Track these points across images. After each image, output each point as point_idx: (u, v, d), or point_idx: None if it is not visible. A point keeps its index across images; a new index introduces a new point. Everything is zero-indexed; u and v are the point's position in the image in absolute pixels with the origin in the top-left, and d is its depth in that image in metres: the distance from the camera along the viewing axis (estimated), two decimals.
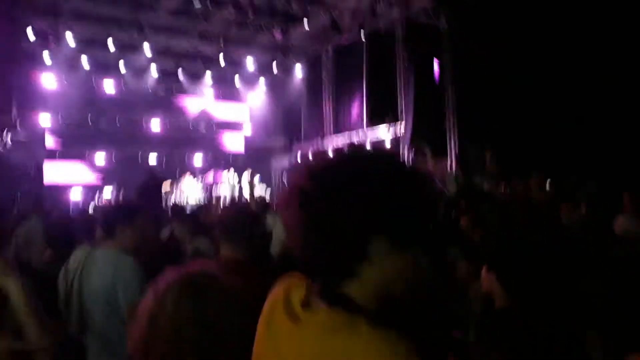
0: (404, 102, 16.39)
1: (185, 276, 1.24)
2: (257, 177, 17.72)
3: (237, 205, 3.06)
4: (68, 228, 4.10)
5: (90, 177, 18.35)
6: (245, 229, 2.33)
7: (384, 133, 16.78)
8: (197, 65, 18.86)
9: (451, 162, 16.89)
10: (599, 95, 11.45)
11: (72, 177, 18.04)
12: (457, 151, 17.06)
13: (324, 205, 0.88)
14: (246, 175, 17.51)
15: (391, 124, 16.59)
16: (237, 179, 17.34)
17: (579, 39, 12.04)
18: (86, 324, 2.54)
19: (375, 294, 0.89)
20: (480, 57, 14.47)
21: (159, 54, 17.43)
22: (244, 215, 2.44)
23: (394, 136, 16.63)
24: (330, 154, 0.97)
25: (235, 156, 21.70)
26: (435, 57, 16.35)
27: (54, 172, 17.25)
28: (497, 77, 13.97)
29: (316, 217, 0.88)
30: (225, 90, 21.07)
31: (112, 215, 2.76)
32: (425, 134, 16.28)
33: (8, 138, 14.11)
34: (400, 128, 16.39)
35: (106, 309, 2.48)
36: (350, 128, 18.48)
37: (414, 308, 0.93)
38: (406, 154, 16.39)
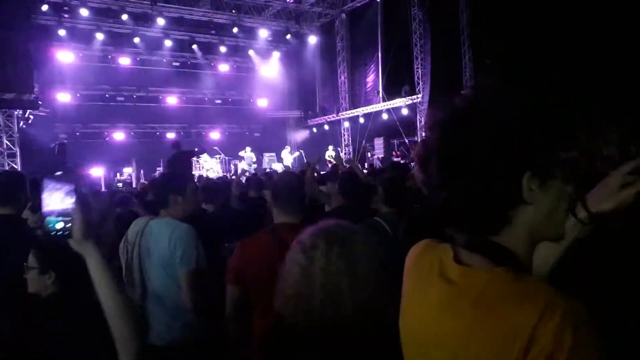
0: (420, 69, 16.13)
1: (328, 229, 1.25)
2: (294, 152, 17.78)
3: (287, 172, 3.12)
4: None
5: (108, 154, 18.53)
6: (297, 194, 2.39)
7: (401, 102, 16.56)
8: (210, 36, 18.78)
9: None
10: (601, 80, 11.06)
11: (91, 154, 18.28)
12: None
13: (469, 140, 0.81)
14: (287, 151, 17.64)
15: (408, 97, 16.37)
16: (254, 155, 17.36)
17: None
18: (147, 290, 2.64)
19: (525, 242, 0.84)
20: (501, 17, 14.10)
21: (173, 25, 17.38)
22: (295, 181, 2.48)
23: (411, 102, 16.41)
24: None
25: (252, 129, 21.76)
26: (454, 17, 16.00)
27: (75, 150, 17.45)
28: (520, 37, 13.63)
29: (461, 155, 0.82)
30: (240, 62, 21.01)
31: (165, 186, 2.84)
32: (443, 101, 16.01)
33: (30, 115, 14.31)
34: (418, 98, 16.16)
35: (164, 274, 2.58)
36: (366, 100, 18.28)
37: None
38: (422, 122, 16.23)
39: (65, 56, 17.03)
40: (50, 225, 1.29)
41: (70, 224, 1.30)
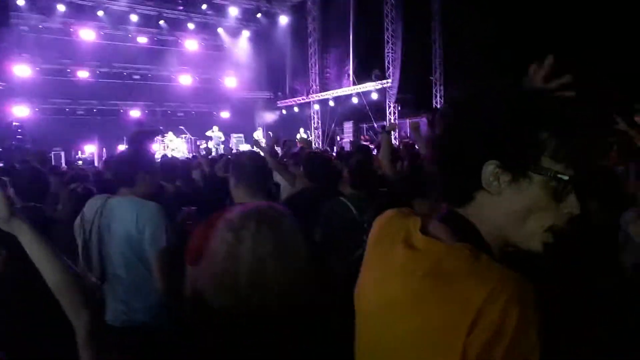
0: (391, 55, 16.13)
1: (259, 210, 1.22)
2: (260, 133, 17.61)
3: (253, 152, 3.06)
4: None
5: (70, 131, 17.92)
6: (263, 175, 2.37)
7: (371, 86, 16.57)
8: (178, 12, 18.27)
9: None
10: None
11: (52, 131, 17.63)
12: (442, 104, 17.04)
13: (452, 128, 0.90)
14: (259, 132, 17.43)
15: (378, 82, 16.38)
16: (222, 135, 17.11)
17: None
18: (106, 270, 2.54)
19: (494, 226, 0.87)
20: (471, 6, 14.20)
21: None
22: (262, 162, 2.43)
23: (381, 87, 16.44)
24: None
25: (219, 110, 21.42)
26: (425, 5, 16.06)
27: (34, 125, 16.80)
28: (488, 26, 13.76)
29: (445, 139, 0.91)
30: (209, 40, 20.55)
31: (131, 163, 2.71)
32: (412, 87, 16.15)
33: None
34: (388, 83, 16.19)
35: (129, 254, 2.48)
36: (337, 84, 18.21)
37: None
38: (392, 108, 16.31)
39: (24, 26, 16.26)
40: None
41: None
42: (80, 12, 16.98)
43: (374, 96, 16.58)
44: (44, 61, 17.17)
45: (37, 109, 17.38)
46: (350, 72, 17.50)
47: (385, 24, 16.15)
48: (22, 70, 16.56)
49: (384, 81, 16.29)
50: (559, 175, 0.83)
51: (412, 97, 16.24)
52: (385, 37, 16.22)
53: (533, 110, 0.84)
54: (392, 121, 16.02)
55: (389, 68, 16.29)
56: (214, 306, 1.16)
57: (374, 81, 16.53)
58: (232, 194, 2.39)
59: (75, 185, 3.57)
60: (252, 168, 2.34)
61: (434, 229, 0.92)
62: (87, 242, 2.58)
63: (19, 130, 14.75)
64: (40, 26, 16.78)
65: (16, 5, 15.23)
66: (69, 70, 17.94)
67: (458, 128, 0.89)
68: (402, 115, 16.65)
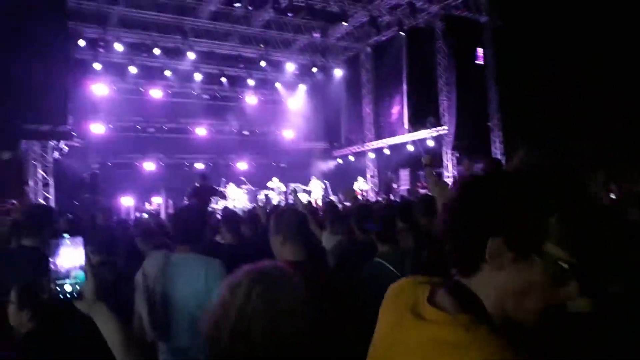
0: (445, 102, 16.13)
1: (257, 269, 1.29)
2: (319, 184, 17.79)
3: (291, 208, 3.13)
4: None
5: (139, 184, 18.92)
6: (302, 230, 2.34)
7: (426, 133, 16.54)
8: (239, 69, 19.25)
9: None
10: None
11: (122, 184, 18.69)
12: (502, 151, 16.69)
13: (466, 199, 0.96)
14: (316, 183, 17.66)
15: (433, 129, 16.36)
16: (282, 186, 17.47)
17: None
18: (167, 329, 2.53)
19: (495, 299, 0.91)
20: (525, 51, 14.11)
21: (203, 58, 17.91)
22: (300, 217, 2.45)
23: (437, 134, 16.38)
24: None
25: (278, 160, 21.99)
26: (477, 53, 16.09)
27: (107, 179, 17.90)
28: (544, 72, 13.58)
29: (458, 207, 0.97)
30: (267, 95, 21.44)
31: (191, 220, 2.76)
32: (468, 133, 15.98)
33: (64, 146, 14.81)
34: (443, 130, 16.12)
35: (197, 311, 2.40)
36: (391, 132, 18.32)
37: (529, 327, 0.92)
38: (449, 155, 16.15)
39: (99, 89, 17.71)
40: (59, 287, 1.30)
41: (78, 286, 1.31)
42: (150, 73, 18.26)
43: (430, 143, 16.50)
44: (116, 119, 18.50)
45: (109, 163, 18.57)
46: (405, 120, 17.58)
47: (439, 72, 16.26)
48: (97, 128, 17.89)
49: (440, 128, 16.23)
50: (560, 262, 0.86)
51: (469, 144, 16.04)
52: (439, 85, 16.28)
53: (542, 197, 0.89)
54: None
55: (444, 115, 16.24)
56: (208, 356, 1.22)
57: (428, 128, 16.50)
58: (273, 248, 2.38)
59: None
60: (290, 223, 2.34)
61: (440, 298, 0.95)
62: (151, 299, 2.60)
63: (93, 184, 15.75)
64: (114, 87, 18.18)
65: (93, 69, 16.61)
66: (138, 126, 19.19)
67: (471, 200, 0.94)
68: (459, 162, 16.41)
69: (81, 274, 1.32)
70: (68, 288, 1.31)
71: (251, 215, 5.65)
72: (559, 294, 0.88)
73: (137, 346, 1.38)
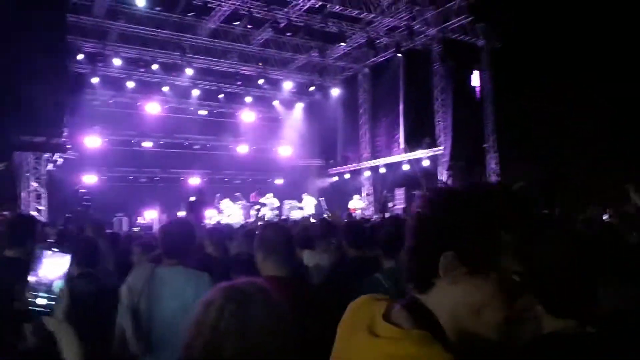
0: (441, 123, 16.25)
1: (232, 286, 1.27)
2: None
3: (276, 223, 3.13)
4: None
5: (133, 198, 18.83)
6: (283, 246, 2.32)
7: (422, 153, 16.61)
8: (237, 86, 19.36)
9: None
10: None
11: (116, 198, 18.61)
12: (498, 172, 16.76)
13: (422, 217, 0.97)
14: (309, 200, 17.68)
15: (429, 149, 16.46)
16: (276, 201, 17.45)
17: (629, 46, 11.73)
18: (151, 344, 2.51)
19: (451, 314, 0.91)
20: (521, 73, 14.26)
21: (201, 75, 18.01)
22: (285, 233, 2.42)
23: (432, 154, 16.44)
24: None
25: (273, 177, 21.99)
26: (474, 75, 16.29)
27: (100, 192, 17.82)
28: (538, 91, 13.70)
29: (415, 225, 0.98)
30: (265, 112, 21.53)
31: (179, 233, 2.76)
32: (464, 154, 16.07)
33: (59, 158, 14.76)
34: (440, 150, 16.21)
35: (185, 323, 2.40)
36: (387, 151, 18.39)
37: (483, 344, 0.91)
38: (445, 174, 16.19)
39: (96, 102, 17.72)
40: (32, 298, 1.28)
41: (52, 302, 1.29)
42: (148, 87, 18.32)
43: (425, 163, 16.55)
44: (112, 133, 18.48)
45: (103, 177, 18.48)
46: (401, 139, 17.67)
47: (435, 93, 16.39)
48: (92, 141, 17.85)
49: (436, 149, 16.30)
50: (515, 276, 0.86)
51: (465, 164, 16.10)
52: (435, 106, 16.41)
53: (497, 211, 0.89)
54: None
55: (439, 136, 16.33)
56: None
57: (424, 149, 16.57)
58: (259, 265, 2.36)
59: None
60: (270, 239, 2.33)
61: (395, 315, 0.94)
62: (135, 311, 2.57)
63: (85, 196, 15.67)
64: (110, 101, 18.21)
65: (90, 82, 16.66)
66: (134, 140, 19.17)
67: (424, 216, 0.95)
68: (455, 183, 16.42)
69: (57, 287, 1.30)
70: (41, 301, 1.28)
71: (245, 230, 5.61)
72: (515, 307, 0.88)
73: None
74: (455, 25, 15.20)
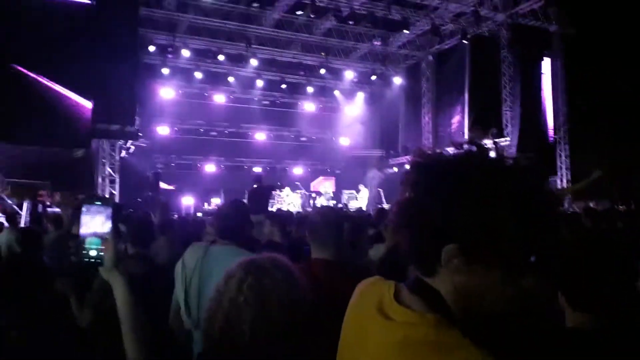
0: (509, 112, 15.62)
1: (252, 261, 1.31)
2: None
3: (325, 207, 3.14)
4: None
5: (200, 184, 19.56)
6: (334, 230, 2.31)
7: (487, 143, 16.07)
8: (299, 76, 19.54)
9: (560, 178, 15.76)
10: None
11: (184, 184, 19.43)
12: (567, 165, 15.93)
13: (416, 202, 0.90)
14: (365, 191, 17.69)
15: (495, 139, 15.86)
16: (330, 191, 17.56)
17: None
18: (199, 319, 2.51)
19: (455, 298, 0.88)
20: (596, 61, 13.43)
21: (265, 65, 18.33)
22: (333, 217, 2.41)
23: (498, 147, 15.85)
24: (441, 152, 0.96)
25: (333, 166, 22.09)
26: (545, 63, 15.51)
27: (169, 179, 18.66)
28: (615, 83, 12.86)
29: (410, 211, 0.91)
30: (325, 102, 21.62)
31: (231, 215, 2.84)
32: (533, 146, 15.38)
33: (131, 145, 15.59)
34: (506, 141, 15.61)
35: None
36: (450, 141, 17.90)
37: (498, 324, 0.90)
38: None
39: (166, 92, 18.53)
40: (85, 251, 1.36)
41: (102, 253, 1.37)
42: (215, 78, 18.92)
43: (492, 154, 15.99)
44: (181, 122, 19.28)
45: (173, 164, 19.35)
46: (465, 130, 17.16)
47: (503, 81, 15.77)
48: (163, 130, 18.71)
49: (502, 139, 15.71)
50: (517, 260, 0.83)
51: (533, 156, 15.41)
52: (503, 95, 15.79)
53: (498, 193, 0.83)
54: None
55: (506, 126, 15.73)
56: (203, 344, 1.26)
57: (490, 139, 16.01)
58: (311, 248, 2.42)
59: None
60: (320, 223, 2.35)
61: (406, 297, 0.92)
62: (187, 289, 2.65)
63: (156, 182, 16.46)
64: (180, 91, 18.97)
65: (161, 73, 17.41)
66: (201, 129, 19.90)
67: (423, 202, 0.87)
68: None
69: (96, 241, 1.38)
70: (93, 253, 1.37)
71: (299, 217, 5.72)
72: (519, 290, 0.85)
73: (141, 319, 1.41)
74: (526, 9, 14.51)
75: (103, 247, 1.37)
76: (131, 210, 10.41)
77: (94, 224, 1.38)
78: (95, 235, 1.38)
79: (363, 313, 0.98)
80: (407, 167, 0.96)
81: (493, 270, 0.84)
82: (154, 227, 3.51)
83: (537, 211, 0.83)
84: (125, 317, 1.38)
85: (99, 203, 1.42)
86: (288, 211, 11.83)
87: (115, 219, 1.41)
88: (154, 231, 3.47)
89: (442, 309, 0.87)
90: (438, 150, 0.95)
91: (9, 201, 12.19)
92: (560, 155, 15.99)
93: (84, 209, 1.39)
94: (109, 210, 1.40)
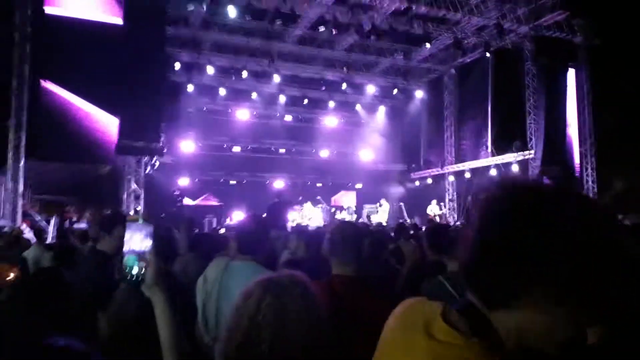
0: (533, 125, 15.41)
1: (271, 279, 1.31)
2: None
3: (344, 222, 3.10)
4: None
5: (223, 199, 19.78)
6: (353, 245, 2.30)
7: (511, 157, 15.87)
8: (321, 92, 19.68)
9: (587, 192, 15.41)
10: None
11: (207, 199, 19.70)
12: (594, 178, 15.60)
13: (498, 231, 0.83)
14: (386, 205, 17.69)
15: (519, 153, 15.65)
16: (353, 204, 17.54)
17: None
18: (220, 331, 2.57)
19: (512, 331, 0.84)
20: (622, 72, 13.18)
21: (287, 81, 18.53)
22: (352, 232, 2.39)
23: (522, 158, 15.65)
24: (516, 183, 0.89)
25: (354, 181, 22.08)
26: (570, 74, 15.30)
27: (192, 194, 18.93)
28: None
29: (489, 240, 0.84)
30: (348, 116, 21.69)
31: (250, 230, 2.86)
32: (558, 159, 15.12)
33: (157, 162, 15.87)
34: (530, 154, 15.39)
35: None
36: (473, 155, 17.75)
37: None
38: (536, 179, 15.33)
39: (191, 108, 18.86)
40: (127, 269, 1.42)
41: (144, 270, 1.42)
42: (238, 95, 19.20)
43: (514, 168, 15.78)
44: (205, 138, 19.56)
45: (196, 180, 19.59)
46: (489, 143, 16.98)
47: (527, 94, 15.60)
48: (187, 146, 19.00)
49: (526, 152, 15.50)
50: (581, 307, 0.78)
51: (558, 170, 15.15)
52: (527, 107, 15.61)
53: (603, 242, 0.78)
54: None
55: (531, 139, 15.51)
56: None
57: (514, 152, 15.82)
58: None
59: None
60: (340, 238, 2.34)
61: (454, 319, 0.89)
62: (206, 302, 2.70)
63: (180, 198, 16.71)
64: (204, 108, 19.28)
65: (186, 90, 17.74)
66: (225, 146, 20.14)
67: (515, 237, 0.80)
68: None
69: (133, 258, 1.43)
70: (135, 270, 1.43)
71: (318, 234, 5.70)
72: (580, 334, 0.82)
73: (180, 336, 1.43)
74: (550, 21, 14.37)
75: (144, 265, 1.42)
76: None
77: (136, 242, 1.43)
78: (136, 252, 1.43)
79: (406, 332, 0.97)
80: (487, 193, 0.89)
81: (569, 314, 0.79)
82: (176, 243, 3.54)
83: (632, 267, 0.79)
84: (166, 333, 1.42)
85: (140, 222, 1.47)
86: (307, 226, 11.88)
87: (155, 237, 1.45)
88: (176, 247, 3.50)
89: (488, 335, 0.84)
90: (522, 181, 0.89)
91: (38, 217, 12.52)
92: (586, 169, 15.67)
93: (127, 227, 1.45)
94: (150, 229, 1.45)
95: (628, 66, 12.89)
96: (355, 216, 17.05)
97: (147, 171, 15.16)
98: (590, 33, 14.90)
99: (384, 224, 14.19)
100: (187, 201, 18.33)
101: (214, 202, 19.53)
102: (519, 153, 15.66)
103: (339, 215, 16.98)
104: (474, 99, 17.44)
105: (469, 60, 17.22)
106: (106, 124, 12.96)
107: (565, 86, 15.32)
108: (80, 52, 11.82)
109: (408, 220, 15.76)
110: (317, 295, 1.30)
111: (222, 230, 14.26)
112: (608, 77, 14.00)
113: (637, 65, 12.59)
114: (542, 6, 14.12)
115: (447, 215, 17.89)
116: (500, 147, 16.49)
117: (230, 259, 2.82)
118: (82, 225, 12.55)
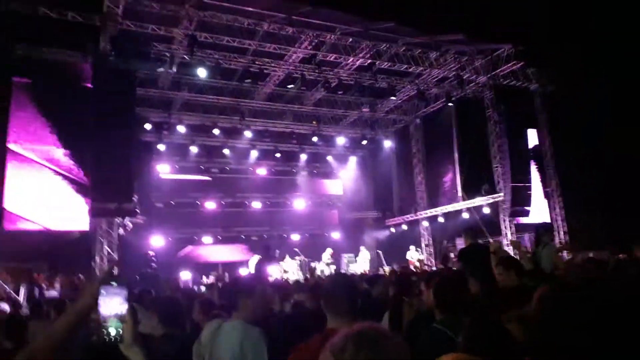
0: (500, 168, 15.95)
1: (360, 332, 1.27)
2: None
3: (336, 274, 3.08)
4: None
5: (198, 258, 19.44)
6: (346, 297, 2.30)
7: (481, 200, 16.29)
8: (292, 145, 19.98)
9: (557, 231, 15.82)
10: None
11: (182, 259, 19.32)
12: (563, 217, 16.08)
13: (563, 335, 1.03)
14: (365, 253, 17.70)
15: (489, 196, 16.12)
16: (329, 257, 17.45)
17: None
18: None
19: None
20: (580, 117, 13.93)
21: (258, 136, 18.78)
22: (345, 283, 2.41)
23: (492, 201, 16.07)
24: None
25: (330, 231, 22.09)
26: (529, 119, 16.08)
27: (167, 253, 18.53)
28: (600, 137, 13.30)
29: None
30: (319, 167, 22.00)
31: (234, 290, 2.96)
32: (526, 200, 15.59)
33: (128, 222, 15.58)
34: (500, 197, 15.83)
35: None
36: (445, 199, 18.14)
37: None
38: (507, 222, 15.70)
39: (162, 168, 18.80)
40: (105, 330, 1.48)
41: (120, 330, 1.48)
42: (210, 152, 19.30)
43: (486, 210, 16.17)
44: (177, 195, 19.39)
45: (170, 239, 19.24)
46: (459, 188, 17.42)
47: (491, 139, 16.22)
48: (159, 205, 18.77)
49: (495, 195, 15.94)
50: None
51: (528, 211, 15.61)
52: (492, 152, 16.19)
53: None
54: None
55: (499, 182, 16.00)
56: None
57: (483, 195, 16.25)
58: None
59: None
60: (333, 291, 2.36)
61: None
62: None
63: (154, 258, 16.33)
64: (176, 166, 19.25)
65: (157, 149, 17.72)
66: (198, 202, 19.99)
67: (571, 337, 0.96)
68: (519, 229, 15.93)
69: (116, 321, 1.48)
70: (113, 331, 1.48)
71: (310, 286, 5.72)
72: None
73: None
74: (506, 71, 15.20)
75: (120, 325, 1.48)
76: (136, 290, 10.31)
77: (112, 304, 1.49)
78: (114, 316, 1.49)
79: None
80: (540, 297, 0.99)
81: None
82: (182, 307, 3.55)
83: None
84: None
85: (114, 283, 1.52)
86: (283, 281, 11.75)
87: (130, 299, 1.51)
88: (182, 311, 3.51)
89: None
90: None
91: (5, 286, 12.02)
92: (554, 208, 16.16)
93: (102, 291, 1.50)
94: (125, 292, 1.51)
95: (582, 107, 13.62)
96: (333, 267, 16.95)
97: (119, 232, 14.86)
98: (544, 80, 15.82)
99: (366, 272, 14.21)
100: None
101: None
102: (488, 196, 16.09)
103: (318, 267, 16.85)
104: (441, 146, 18.02)
105: (432, 109, 17.92)
106: (77, 187, 12.79)
107: (526, 130, 16.04)
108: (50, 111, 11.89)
109: (387, 268, 15.79)
110: (404, 343, 1.28)
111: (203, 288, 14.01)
112: (565, 118, 14.72)
113: (591, 106, 13.33)
114: (498, 57, 14.97)
115: (426, 261, 18.00)
116: (469, 191, 16.93)
117: (223, 320, 2.85)
118: (53, 293, 12.12)
